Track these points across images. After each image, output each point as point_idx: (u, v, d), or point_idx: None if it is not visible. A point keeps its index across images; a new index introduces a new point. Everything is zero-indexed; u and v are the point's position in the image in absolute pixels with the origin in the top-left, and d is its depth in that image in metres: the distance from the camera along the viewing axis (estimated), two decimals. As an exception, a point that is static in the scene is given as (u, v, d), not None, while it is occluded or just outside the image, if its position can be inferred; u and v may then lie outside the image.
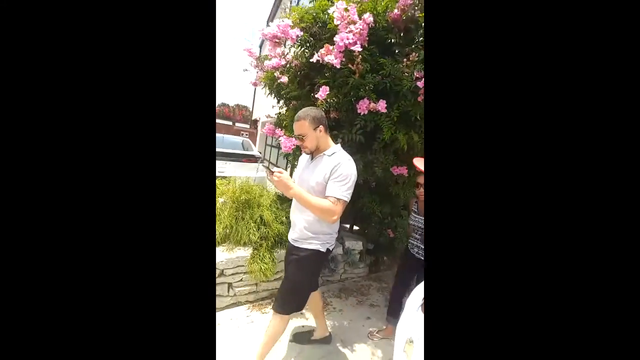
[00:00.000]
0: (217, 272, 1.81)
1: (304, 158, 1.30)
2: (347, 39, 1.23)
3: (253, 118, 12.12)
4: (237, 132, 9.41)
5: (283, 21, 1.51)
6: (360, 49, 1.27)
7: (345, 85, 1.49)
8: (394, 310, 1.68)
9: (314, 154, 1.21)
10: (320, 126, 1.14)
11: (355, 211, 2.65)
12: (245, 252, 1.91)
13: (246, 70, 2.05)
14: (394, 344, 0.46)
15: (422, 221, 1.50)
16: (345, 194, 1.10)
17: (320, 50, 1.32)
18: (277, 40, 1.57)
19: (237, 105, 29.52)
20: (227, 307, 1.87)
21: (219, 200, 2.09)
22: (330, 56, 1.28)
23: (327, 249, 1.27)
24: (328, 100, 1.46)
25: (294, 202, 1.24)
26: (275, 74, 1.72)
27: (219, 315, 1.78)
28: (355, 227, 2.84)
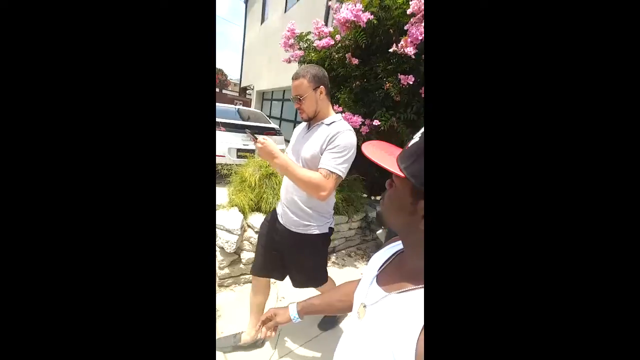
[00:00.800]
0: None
1: (299, 128, 1.16)
2: (429, 33, 1.38)
3: (242, 86, 11.50)
4: (229, 101, 8.93)
5: (356, 5, 1.60)
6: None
7: (413, 72, 1.68)
8: None
9: (311, 122, 1.07)
10: (321, 87, 0.99)
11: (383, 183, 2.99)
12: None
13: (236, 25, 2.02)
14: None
15: None
16: (340, 168, 0.94)
17: (401, 42, 1.47)
18: (348, 25, 1.66)
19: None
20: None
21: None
22: (409, 48, 1.45)
23: (330, 228, 1.14)
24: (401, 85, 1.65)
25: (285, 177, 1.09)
26: (345, 55, 1.85)
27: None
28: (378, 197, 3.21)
